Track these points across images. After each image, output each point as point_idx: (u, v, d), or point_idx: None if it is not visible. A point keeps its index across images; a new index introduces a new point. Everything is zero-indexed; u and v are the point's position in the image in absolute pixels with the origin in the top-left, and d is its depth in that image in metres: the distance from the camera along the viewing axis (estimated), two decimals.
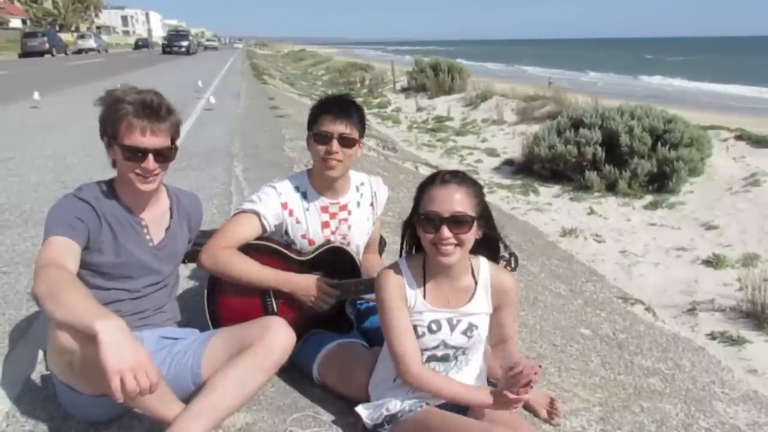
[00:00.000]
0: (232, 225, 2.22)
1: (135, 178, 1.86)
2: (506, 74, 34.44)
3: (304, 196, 2.27)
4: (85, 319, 1.44)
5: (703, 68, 42.75)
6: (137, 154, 1.83)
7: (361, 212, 2.38)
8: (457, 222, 1.75)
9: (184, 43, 42.53)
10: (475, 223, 1.79)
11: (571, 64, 48.36)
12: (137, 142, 1.82)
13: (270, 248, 2.23)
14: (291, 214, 2.24)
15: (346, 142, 2.18)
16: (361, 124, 2.24)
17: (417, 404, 1.84)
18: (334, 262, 2.25)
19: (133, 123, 1.81)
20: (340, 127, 2.16)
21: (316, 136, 2.19)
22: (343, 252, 2.28)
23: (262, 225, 2.20)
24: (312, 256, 2.26)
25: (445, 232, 1.74)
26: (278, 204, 2.22)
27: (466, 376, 1.91)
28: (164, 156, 1.88)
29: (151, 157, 1.84)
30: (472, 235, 1.80)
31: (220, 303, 2.23)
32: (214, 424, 1.71)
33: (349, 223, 2.34)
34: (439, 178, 1.81)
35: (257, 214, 2.19)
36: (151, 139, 1.83)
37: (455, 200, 1.76)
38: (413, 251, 1.93)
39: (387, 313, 1.83)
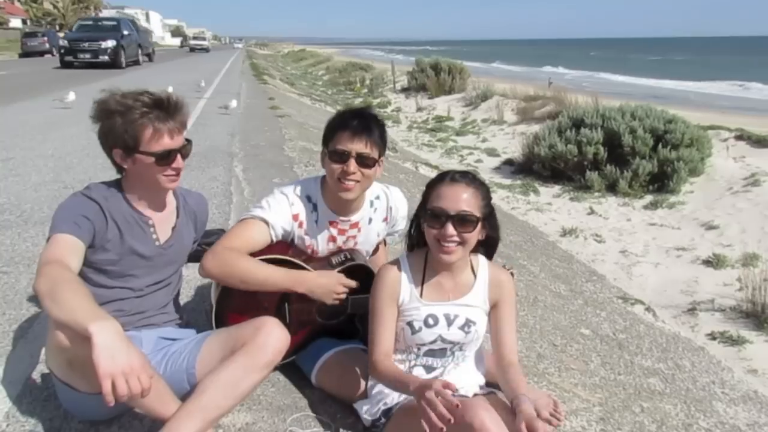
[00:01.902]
0: (239, 229, 2.08)
1: (164, 179, 1.89)
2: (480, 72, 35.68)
3: (315, 207, 2.15)
4: (81, 321, 1.44)
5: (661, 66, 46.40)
6: (169, 157, 1.85)
7: (371, 228, 2.27)
8: (463, 220, 1.77)
9: (107, 45, 20.69)
10: (480, 224, 1.81)
11: (541, 61, 52.72)
12: (167, 146, 1.84)
13: (289, 262, 2.10)
14: (300, 225, 2.13)
15: (365, 161, 2.02)
16: (382, 141, 2.07)
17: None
18: (354, 279, 2.14)
19: (160, 128, 1.82)
20: (358, 146, 2.00)
21: (332, 154, 2.03)
22: (366, 270, 2.18)
23: (269, 232, 2.08)
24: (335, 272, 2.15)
25: (450, 229, 1.76)
26: (289, 215, 2.10)
27: (463, 373, 1.93)
28: (187, 152, 1.93)
29: (179, 156, 1.87)
30: (475, 235, 1.82)
31: (229, 318, 2.09)
32: (206, 424, 1.71)
33: (357, 240, 2.24)
34: (449, 176, 1.84)
35: (266, 222, 2.07)
36: (177, 139, 1.87)
37: (462, 199, 1.78)
38: (414, 247, 1.96)
39: (373, 306, 1.90)
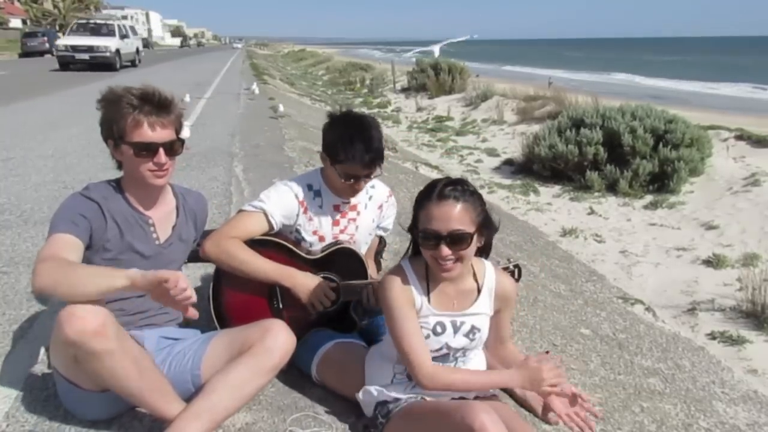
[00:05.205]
0: (237, 220, 2.24)
1: (149, 174, 1.88)
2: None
3: (318, 194, 2.29)
4: (116, 278, 1.56)
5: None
6: (148, 150, 1.84)
7: (368, 213, 2.41)
8: (456, 240, 1.69)
9: None
10: (475, 237, 1.74)
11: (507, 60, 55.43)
12: (147, 138, 1.83)
13: (278, 244, 2.23)
14: (306, 211, 2.27)
15: (371, 177, 2.25)
16: (382, 154, 2.24)
17: (411, 398, 1.85)
18: (342, 263, 2.25)
19: (140, 119, 1.82)
20: (366, 171, 2.19)
21: (341, 172, 2.18)
22: (353, 254, 2.28)
23: (269, 222, 2.21)
24: (321, 255, 2.25)
25: (444, 250, 1.70)
26: (295, 203, 2.24)
27: None
28: (174, 149, 1.91)
29: (162, 151, 1.86)
30: (472, 249, 1.75)
31: (224, 300, 2.23)
32: (212, 425, 1.71)
33: (357, 223, 2.37)
34: (436, 193, 1.72)
35: (263, 212, 2.20)
36: (160, 133, 1.85)
37: (453, 218, 1.69)
38: (410, 254, 1.92)
39: (396, 318, 1.79)
